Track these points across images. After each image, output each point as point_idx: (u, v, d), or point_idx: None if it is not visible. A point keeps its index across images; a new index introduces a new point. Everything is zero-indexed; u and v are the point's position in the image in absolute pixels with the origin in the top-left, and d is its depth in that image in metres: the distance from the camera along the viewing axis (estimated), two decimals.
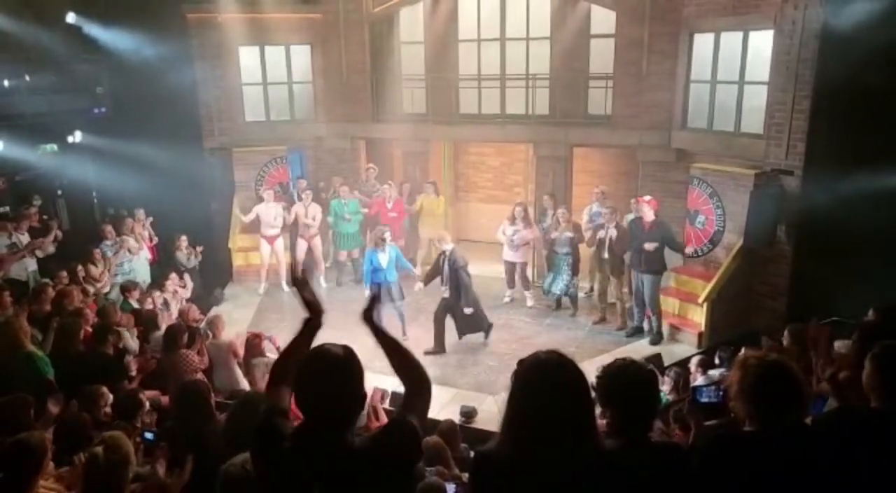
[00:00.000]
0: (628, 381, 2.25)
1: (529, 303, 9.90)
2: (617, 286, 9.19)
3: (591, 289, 10.01)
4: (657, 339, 8.71)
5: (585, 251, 9.70)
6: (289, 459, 1.93)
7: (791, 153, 8.27)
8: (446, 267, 8.40)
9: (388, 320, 8.31)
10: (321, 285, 10.85)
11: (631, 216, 9.12)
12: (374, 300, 2.28)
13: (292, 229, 10.80)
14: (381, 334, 2.22)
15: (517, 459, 1.90)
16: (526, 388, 1.94)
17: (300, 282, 2.26)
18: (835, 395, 3.30)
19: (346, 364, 1.98)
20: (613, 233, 8.84)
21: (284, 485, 1.96)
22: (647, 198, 8.74)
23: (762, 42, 8.60)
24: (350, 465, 1.90)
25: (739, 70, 9.00)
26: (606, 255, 9.01)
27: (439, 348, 8.53)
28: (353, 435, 2.00)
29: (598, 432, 1.95)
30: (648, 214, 8.51)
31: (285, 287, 10.73)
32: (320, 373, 1.95)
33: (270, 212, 10.54)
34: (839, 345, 4.50)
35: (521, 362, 2.02)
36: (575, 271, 9.48)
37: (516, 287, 10.08)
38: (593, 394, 2.09)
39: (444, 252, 8.48)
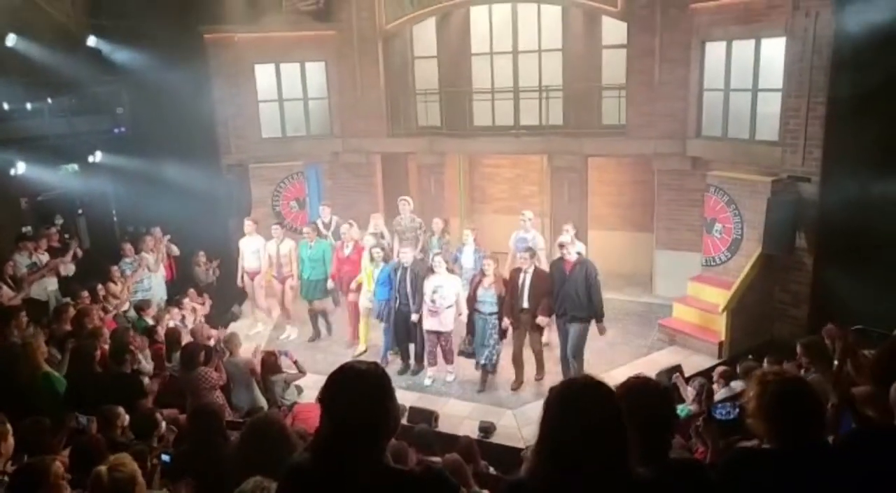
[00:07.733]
0: (641, 402, 2.21)
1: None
2: (534, 340, 7.71)
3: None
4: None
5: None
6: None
7: (807, 160, 8.21)
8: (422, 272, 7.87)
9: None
10: (289, 337, 9.52)
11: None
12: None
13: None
14: None
15: (549, 489, 1.86)
16: (557, 416, 1.88)
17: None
18: (852, 412, 3.21)
19: (373, 377, 1.95)
20: (529, 279, 7.43)
21: None
22: (570, 229, 8.14)
23: (775, 49, 8.53)
24: None
25: (752, 78, 8.94)
26: (526, 304, 7.44)
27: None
28: (387, 460, 1.95)
29: (631, 460, 1.88)
30: (571, 253, 7.31)
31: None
32: (347, 385, 1.93)
33: (250, 245, 9.64)
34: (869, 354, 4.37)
35: (552, 390, 1.96)
36: (502, 335, 7.73)
37: None
38: None
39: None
